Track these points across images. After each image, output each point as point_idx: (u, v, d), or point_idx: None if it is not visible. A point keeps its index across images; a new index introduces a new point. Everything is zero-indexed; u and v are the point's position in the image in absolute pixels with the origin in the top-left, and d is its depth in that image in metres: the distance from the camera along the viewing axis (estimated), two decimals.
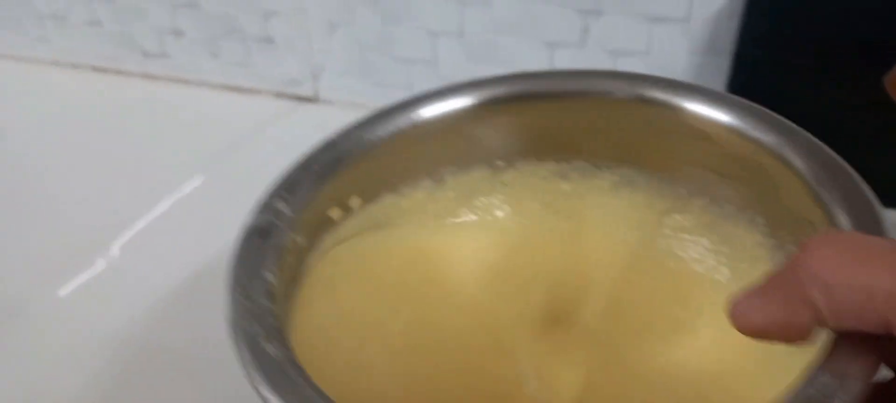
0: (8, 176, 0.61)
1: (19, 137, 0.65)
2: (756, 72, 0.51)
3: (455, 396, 0.32)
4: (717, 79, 0.56)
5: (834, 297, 0.20)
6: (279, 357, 0.24)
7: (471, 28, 0.60)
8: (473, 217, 0.36)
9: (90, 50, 0.73)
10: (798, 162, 0.28)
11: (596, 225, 0.34)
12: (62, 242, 0.53)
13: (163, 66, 0.71)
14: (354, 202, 0.34)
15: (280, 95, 0.69)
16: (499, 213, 0.36)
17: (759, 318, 0.21)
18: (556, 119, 0.34)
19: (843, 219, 0.26)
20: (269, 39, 0.66)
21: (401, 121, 0.33)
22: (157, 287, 0.49)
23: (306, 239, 0.31)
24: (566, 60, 0.59)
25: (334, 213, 0.33)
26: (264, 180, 0.54)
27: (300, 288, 0.31)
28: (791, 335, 0.21)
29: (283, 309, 0.28)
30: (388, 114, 0.33)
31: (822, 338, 0.22)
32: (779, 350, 0.21)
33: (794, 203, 0.28)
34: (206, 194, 0.58)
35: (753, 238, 0.31)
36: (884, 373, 0.23)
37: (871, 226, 0.25)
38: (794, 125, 0.29)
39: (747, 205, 0.31)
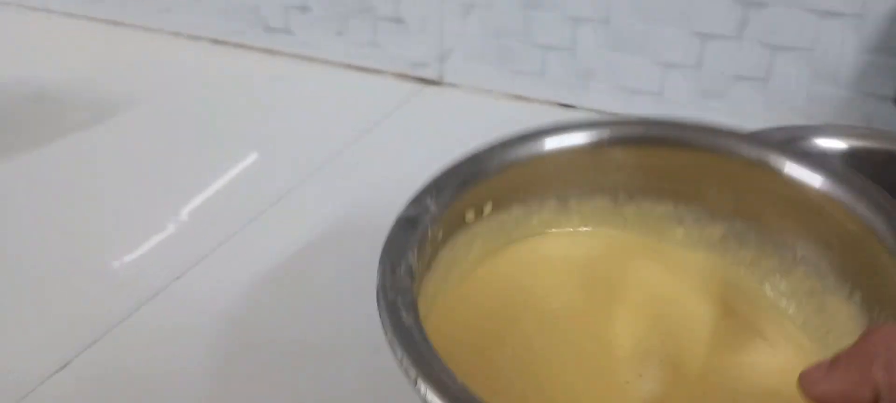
0: (113, 141, 0.59)
1: (134, 105, 0.64)
2: None
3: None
4: (886, 81, 0.50)
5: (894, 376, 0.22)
6: (411, 325, 0.28)
7: (617, 15, 0.56)
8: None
9: (212, 22, 0.72)
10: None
11: (697, 278, 0.37)
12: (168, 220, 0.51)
13: (285, 42, 0.70)
14: (487, 208, 0.36)
15: (403, 77, 0.67)
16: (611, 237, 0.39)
17: (824, 388, 0.24)
18: (682, 166, 0.37)
19: None
20: (399, 19, 0.64)
21: (538, 146, 0.36)
22: (270, 265, 0.46)
23: (444, 233, 0.34)
24: (717, 53, 0.54)
25: (469, 215, 0.36)
26: (383, 161, 0.54)
27: (432, 272, 0.33)
28: None
29: (418, 288, 0.31)
30: (529, 137, 0.36)
31: None
32: None
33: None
34: (320, 175, 0.55)
35: (848, 310, 0.32)
36: None
37: None
38: None
39: (848, 278, 0.33)
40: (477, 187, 0.35)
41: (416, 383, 0.25)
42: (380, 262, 0.30)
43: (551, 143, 0.36)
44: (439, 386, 0.25)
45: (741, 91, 0.55)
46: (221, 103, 0.65)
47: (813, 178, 0.33)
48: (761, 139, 0.35)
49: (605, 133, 0.36)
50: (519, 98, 0.62)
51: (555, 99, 0.62)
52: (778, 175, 0.34)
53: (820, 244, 0.33)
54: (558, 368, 0.32)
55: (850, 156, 0.40)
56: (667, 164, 0.37)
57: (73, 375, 0.39)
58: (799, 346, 0.33)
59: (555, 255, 0.37)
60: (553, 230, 0.38)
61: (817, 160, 0.34)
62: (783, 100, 0.54)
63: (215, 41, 0.73)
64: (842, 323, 0.32)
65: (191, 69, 0.70)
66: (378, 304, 0.28)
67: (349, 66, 0.68)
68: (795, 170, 0.34)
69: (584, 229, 0.38)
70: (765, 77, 0.54)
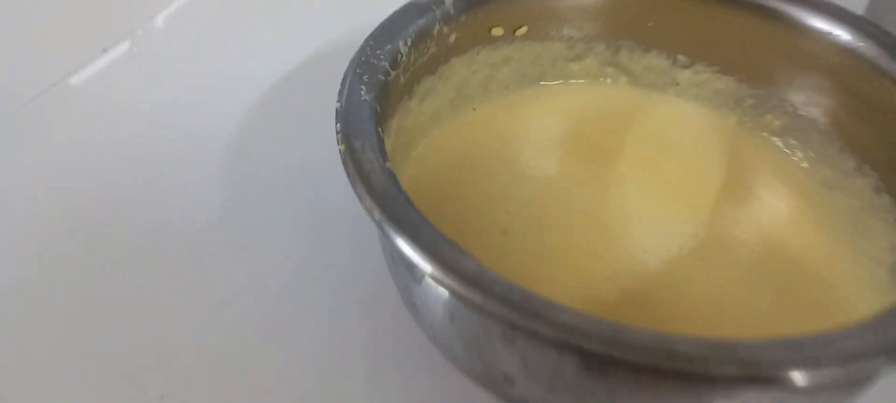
0: None
1: None
2: None
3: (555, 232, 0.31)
4: None
5: None
6: (365, 101, 0.26)
7: None
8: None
9: None
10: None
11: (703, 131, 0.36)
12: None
13: None
14: (521, 31, 0.35)
15: None
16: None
17: None
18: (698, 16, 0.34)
19: None
20: None
21: None
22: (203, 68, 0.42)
23: (457, 39, 0.32)
24: None
25: (497, 32, 0.34)
26: None
27: (430, 76, 0.32)
28: None
29: (401, 78, 0.30)
30: None
31: None
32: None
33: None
34: None
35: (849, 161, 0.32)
36: None
37: None
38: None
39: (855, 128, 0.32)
40: (517, 4, 0.34)
41: (339, 143, 0.25)
42: (367, 37, 0.29)
43: None
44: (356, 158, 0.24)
45: None
46: None
47: (832, 28, 0.31)
48: None
49: None
50: None
51: None
52: (791, 24, 0.32)
53: (833, 96, 0.32)
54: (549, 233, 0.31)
55: None
56: (672, 10, 0.35)
57: None
58: (805, 193, 0.32)
59: (554, 108, 0.36)
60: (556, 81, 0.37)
61: (833, 9, 0.32)
62: None
63: None
64: (849, 174, 0.32)
65: None
66: (344, 76, 0.27)
67: None
68: (813, 20, 0.32)
69: (580, 81, 0.37)
70: None
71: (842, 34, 0.30)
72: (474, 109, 0.35)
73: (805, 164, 0.33)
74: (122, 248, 0.32)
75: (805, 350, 0.19)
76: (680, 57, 0.35)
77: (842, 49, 0.30)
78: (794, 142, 0.34)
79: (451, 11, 0.32)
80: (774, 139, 0.34)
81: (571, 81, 0.37)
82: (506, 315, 0.20)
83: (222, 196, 0.35)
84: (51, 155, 0.37)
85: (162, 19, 0.45)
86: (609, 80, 0.37)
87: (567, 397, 0.22)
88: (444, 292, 0.22)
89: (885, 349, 0.19)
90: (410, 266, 0.22)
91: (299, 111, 0.39)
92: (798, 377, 0.18)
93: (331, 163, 0.33)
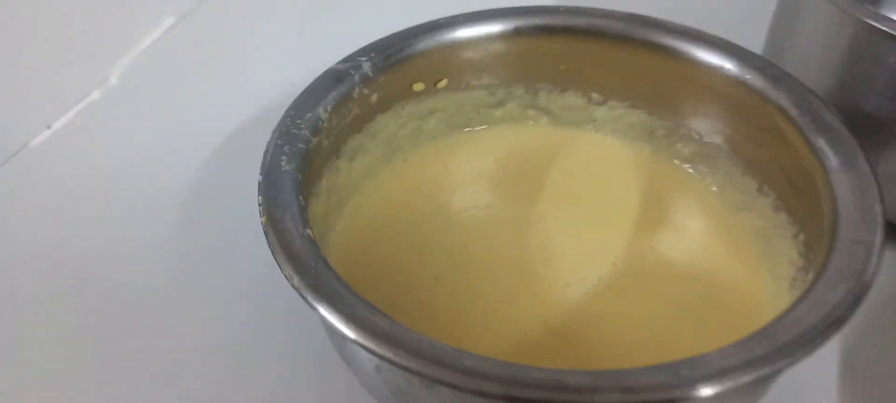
0: None
1: None
2: None
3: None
4: None
5: None
6: (289, 174, 0.28)
7: None
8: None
9: None
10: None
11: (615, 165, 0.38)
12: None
13: None
14: (442, 84, 0.36)
15: None
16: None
17: None
18: (595, 54, 0.37)
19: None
20: None
21: (460, 32, 0.36)
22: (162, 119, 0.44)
23: (380, 98, 0.35)
24: None
25: (418, 87, 0.36)
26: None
27: (356, 134, 0.34)
28: None
29: (325, 143, 0.32)
30: (453, 22, 0.36)
31: None
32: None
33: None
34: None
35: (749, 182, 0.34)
36: None
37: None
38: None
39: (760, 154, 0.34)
40: (434, 57, 0.35)
41: (260, 215, 0.26)
42: (288, 107, 0.31)
43: (477, 30, 0.36)
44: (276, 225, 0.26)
45: None
46: None
47: (723, 62, 0.34)
48: (666, 25, 0.35)
49: (529, 20, 0.36)
50: None
51: None
52: (688, 60, 0.35)
53: (731, 124, 0.34)
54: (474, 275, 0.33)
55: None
56: (581, 53, 0.37)
57: None
58: (717, 215, 0.35)
59: (481, 151, 0.38)
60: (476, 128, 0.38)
61: (725, 46, 0.34)
62: None
63: None
64: (753, 195, 0.34)
65: None
66: (267, 145, 0.29)
67: None
68: (707, 56, 0.34)
69: (505, 125, 0.39)
70: None
71: (730, 67, 0.33)
72: (405, 160, 0.37)
73: (714, 188, 0.36)
74: (79, 308, 0.34)
75: (681, 373, 0.21)
76: (594, 95, 0.38)
77: (731, 81, 0.33)
78: (703, 167, 0.36)
79: (370, 74, 0.34)
80: (686, 166, 0.37)
81: (495, 126, 0.39)
82: (414, 367, 0.22)
83: (175, 256, 0.36)
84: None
85: (115, 77, 0.47)
86: (531, 122, 0.39)
87: None
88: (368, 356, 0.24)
89: (753, 363, 0.21)
90: (331, 328, 0.24)
91: (244, 172, 0.41)
92: (677, 397, 0.20)
93: None
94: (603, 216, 0.36)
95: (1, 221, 0.39)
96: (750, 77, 0.32)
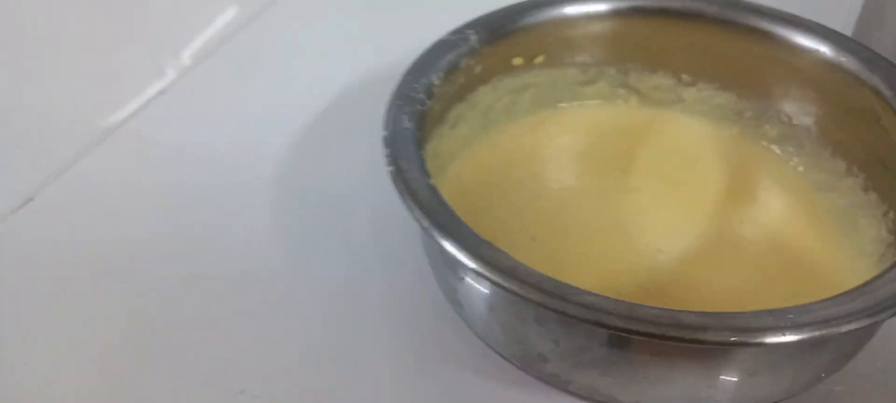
0: None
1: None
2: None
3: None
4: None
5: None
6: (410, 131, 0.31)
7: None
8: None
9: None
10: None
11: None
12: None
13: None
14: (539, 60, 0.38)
15: None
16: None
17: None
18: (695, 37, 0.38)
19: None
20: None
21: (567, 9, 0.38)
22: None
23: (482, 70, 0.37)
24: None
25: (517, 61, 0.38)
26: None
27: (459, 103, 0.36)
28: None
29: (435, 108, 0.34)
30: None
31: None
32: None
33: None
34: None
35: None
36: None
37: None
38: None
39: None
40: (533, 34, 0.37)
41: (388, 165, 0.29)
42: (404, 73, 0.33)
43: (577, 9, 0.38)
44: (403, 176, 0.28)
45: None
46: None
47: (819, 46, 0.35)
48: (762, 9, 0.37)
49: (626, 2, 0.38)
50: None
51: None
52: (783, 43, 0.36)
53: (822, 106, 0.36)
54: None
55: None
56: (674, 35, 0.38)
57: None
58: (801, 194, 0.36)
59: (572, 127, 0.40)
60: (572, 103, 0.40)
61: (820, 30, 0.35)
62: None
63: None
64: (841, 176, 0.35)
65: None
66: (387, 105, 0.32)
67: None
68: (802, 39, 0.36)
69: (595, 102, 0.40)
70: None
71: (826, 50, 0.34)
72: (500, 132, 0.39)
73: (801, 168, 0.37)
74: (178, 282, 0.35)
75: (788, 317, 0.23)
76: (684, 76, 0.39)
77: (826, 63, 0.34)
78: (790, 148, 0.37)
79: (476, 46, 0.36)
80: (773, 146, 0.38)
81: (586, 102, 0.41)
82: (539, 299, 0.24)
83: (272, 221, 0.38)
84: (97, 199, 0.40)
85: (188, 56, 0.49)
86: (620, 100, 0.41)
87: (593, 371, 0.26)
88: (484, 286, 0.26)
89: (854, 314, 0.23)
90: (454, 265, 0.26)
91: (332, 143, 0.43)
92: (781, 338, 0.22)
93: (369, 188, 0.38)
94: (690, 190, 0.37)
95: (106, 199, 0.40)
96: (845, 60, 0.34)
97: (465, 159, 0.38)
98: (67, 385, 0.31)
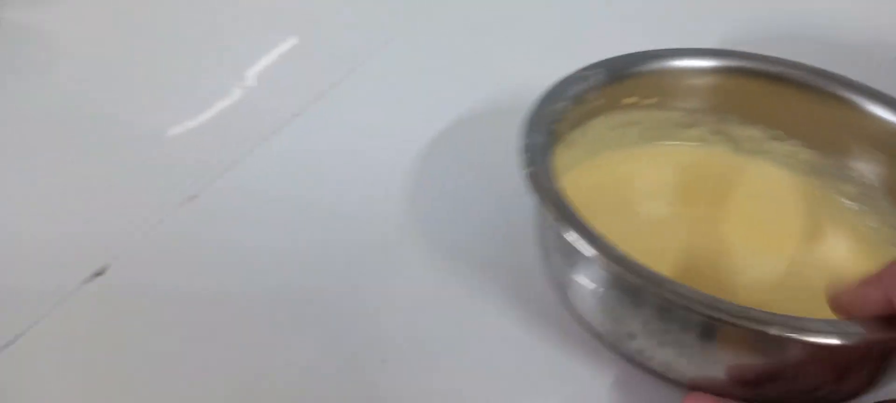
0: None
1: None
2: None
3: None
4: None
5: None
6: (541, 144, 0.37)
7: None
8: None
9: None
10: None
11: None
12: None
13: None
14: (651, 101, 0.45)
15: None
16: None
17: (845, 298, 0.30)
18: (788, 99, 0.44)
19: None
20: None
21: (682, 62, 0.44)
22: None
23: (600, 105, 0.43)
24: None
25: (629, 100, 0.45)
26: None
27: (575, 130, 0.43)
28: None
29: (559, 130, 0.40)
30: (681, 53, 0.44)
31: None
32: None
33: None
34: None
35: None
36: None
37: None
38: None
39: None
40: (645, 79, 0.43)
41: (526, 167, 0.36)
42: (536, 101, 0.39)
43: (688, 63, 0.44)
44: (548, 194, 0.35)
45: None
46: None
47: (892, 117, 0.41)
48: (846, 81, 0.43)
49: (732, 62, 0.44)
50: None
51: None
52: (861, 112, 0.42)
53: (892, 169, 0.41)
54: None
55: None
56: (770, 95, 0.44)
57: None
58: (871, 246, 0.41)
59: (669, 162, 0.46)
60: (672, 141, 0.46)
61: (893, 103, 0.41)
62: None
63: None
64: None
65: None
66: (521, 130, 0.37)
67: None
68: (877, 109, 0.41)
69: (693, 144, 0.46)
70: None
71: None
72: (606, 158, 0.46)
73: (873, 224, 0.42)
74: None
75: (840, 326, 0.29)
76: (773, 131, 0.45)
77: None
78: (865, 206, 0.43)
79: (599, 84, 0.43)
80: (847, 202, 0.43)
81: (685, 143, 0.47)
82: (644, 285, 0.30)
83: (406, 217, 0.46)
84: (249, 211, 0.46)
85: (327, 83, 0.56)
86: (715, 145, 0.47)
87: (671, 349, 0.32)
88: (597, 271, 0.33)
89: None
90: (572, 252, 0.33)
91: (453, 160, 0.51)
92: (831, 340, 0.28)
93: (483, 200, 0.46)
94: (769, 231, 0.43)
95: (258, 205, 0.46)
96: None
97: (567, 179, 0.44)
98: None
